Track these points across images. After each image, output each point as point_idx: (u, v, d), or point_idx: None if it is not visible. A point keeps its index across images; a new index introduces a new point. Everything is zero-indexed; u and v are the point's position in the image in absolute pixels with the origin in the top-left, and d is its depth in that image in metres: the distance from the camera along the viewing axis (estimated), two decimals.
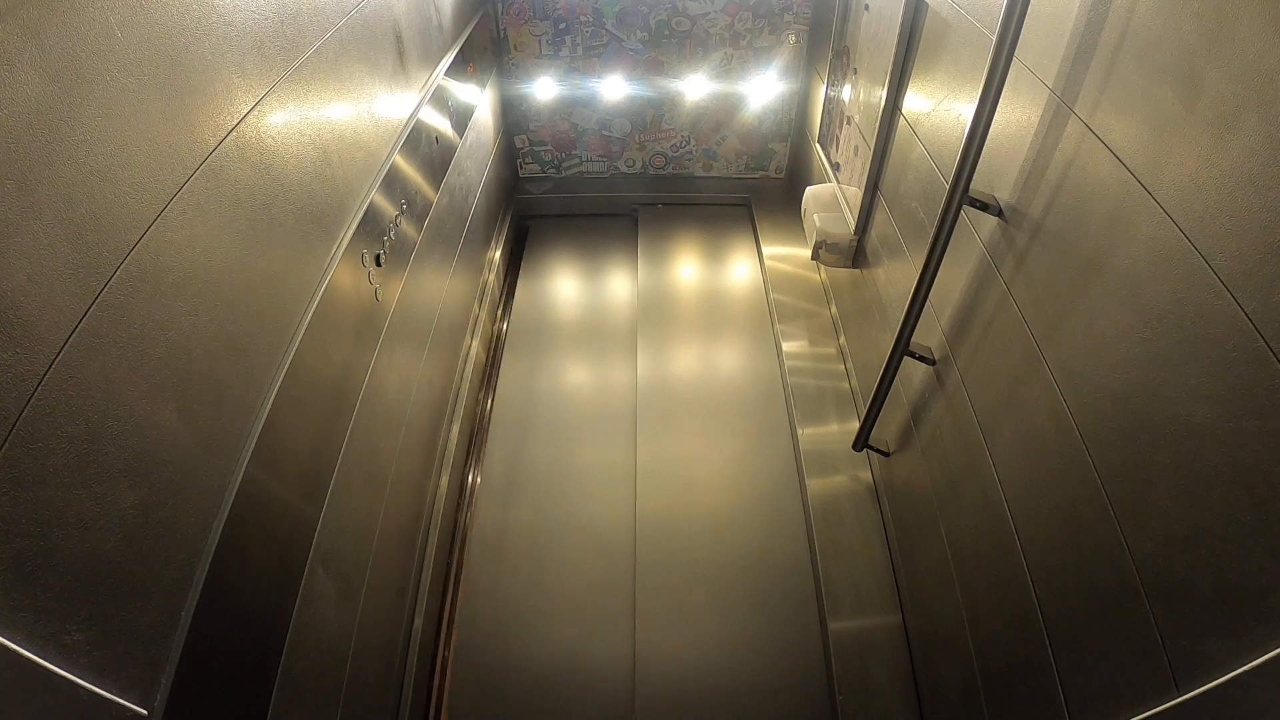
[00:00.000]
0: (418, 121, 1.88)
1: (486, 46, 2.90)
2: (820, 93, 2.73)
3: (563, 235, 3.32)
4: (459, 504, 2.28)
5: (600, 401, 2.49)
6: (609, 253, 3.21)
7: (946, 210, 1.37)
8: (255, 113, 1.10)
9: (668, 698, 1.72)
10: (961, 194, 1.35)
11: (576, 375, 2.63)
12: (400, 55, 1.82)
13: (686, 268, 3.05)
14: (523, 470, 2.26)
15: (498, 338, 3.01)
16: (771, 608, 1.88)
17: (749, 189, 3.35)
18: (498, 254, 2.97)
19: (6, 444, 0.65)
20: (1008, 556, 1.25)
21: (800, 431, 2.19)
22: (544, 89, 3.05)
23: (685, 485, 2.16)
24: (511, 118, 3.15)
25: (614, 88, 3.04)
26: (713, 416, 2.37)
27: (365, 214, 1.50)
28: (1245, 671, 0.74)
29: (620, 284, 3.03)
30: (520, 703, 1.74)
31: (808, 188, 2.60)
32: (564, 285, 3.07)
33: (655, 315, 2.75)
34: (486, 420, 2.69)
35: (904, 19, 1.84)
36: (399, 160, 1.73)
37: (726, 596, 1.90)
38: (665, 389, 2.45)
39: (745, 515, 2.09)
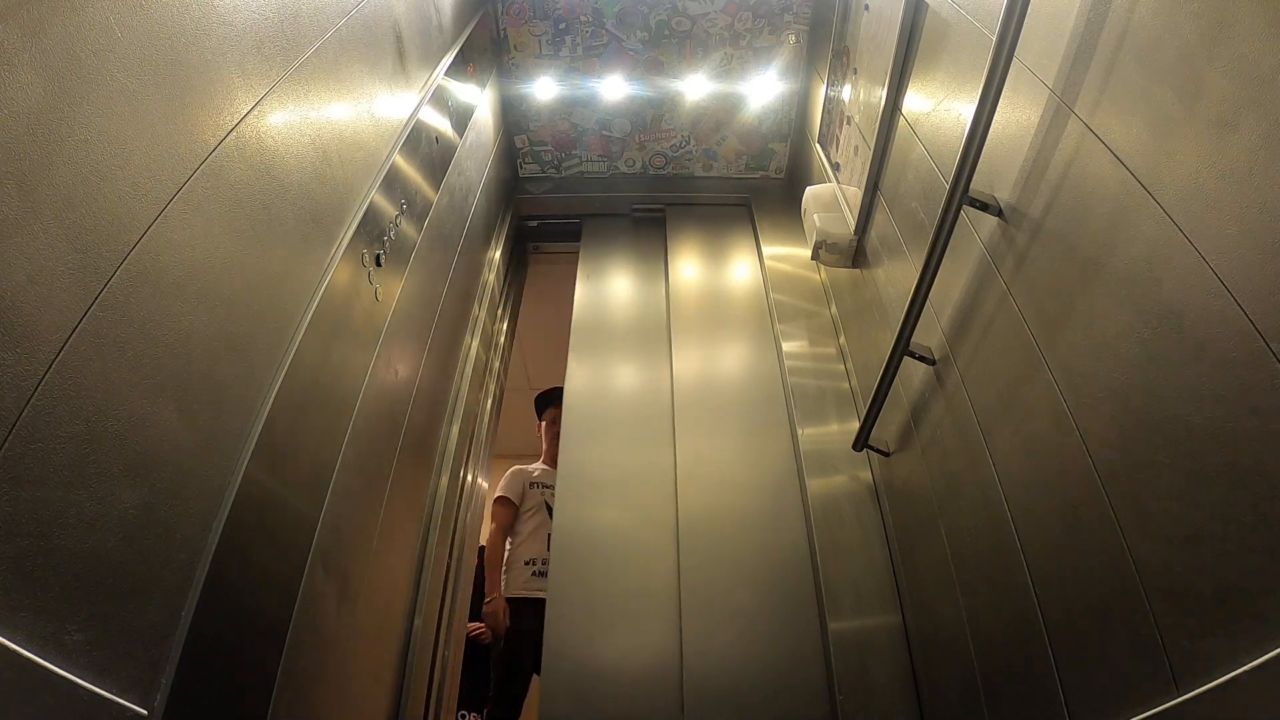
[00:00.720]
0: (418, 121, 1.88)
1: (486, 46, 2.90)
2: (820, 93, 2.73)
3: (607, 236, 3.31)
4: (459, 504, 2.28)
5: (643, 402, 2.50)
6: (631, 253, 3.20)
7: (946, 210, 1.37)
8: (255, 113, 1.10)
9: (711, 695, 1.74)
10: (961, 194, 1.35)
11: (627, 376, 2.63)
12: (400, 55, 1.82)
13: (705, 268, 3.05)
14: (595, 471, 2.28)
15: (502, 337, 3.01)
16: (773, 608, 1.88)
17: (749, 189, 3.35)
18: (498, 254, 2.97)
19: (6, 444, 0.65)
20: (1008, 557, 1.25)
21: (800, 431, 2.19)
22: (544, 89, 3.05)
23: (706, 486, 2.17)
24: (511, 118, 3.15)
25: (614, 88, 3.04)
26: (726, 417, 2.38)
27: (365, 214, 1.50)
28: (1245, 671, 0.74)
29: (647, 284, 3.03)
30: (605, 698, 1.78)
31: (808, 188, 2.60)
32: (608, 286, 3.05)
33: (686, 316, 2.75)
34: (488, 420, 2.69)
35: (904, 19, 1.84)
36: (399, 160, 1.73)
37: (736, 596, 1.91)
38: (697, 390, 2.47)
39: (750, 515, 2.09)
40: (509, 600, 2.72)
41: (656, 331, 2.75)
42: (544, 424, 3.30)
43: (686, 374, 2.51)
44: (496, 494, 2.98)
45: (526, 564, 2.77)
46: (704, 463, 2.22)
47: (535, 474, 3.07)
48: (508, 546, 2.89)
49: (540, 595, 2.60)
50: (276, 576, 1.13)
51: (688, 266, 3.03)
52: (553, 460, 3.10)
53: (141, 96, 0.86)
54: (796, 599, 1.89)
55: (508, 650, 2.63)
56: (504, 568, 2.83)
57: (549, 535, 2.74)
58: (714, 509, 2.10)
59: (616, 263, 3.16)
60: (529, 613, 2.63)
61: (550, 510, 2.86)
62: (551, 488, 2.95)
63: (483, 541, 2.91)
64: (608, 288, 3.04)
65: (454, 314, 2.31)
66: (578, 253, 3.48)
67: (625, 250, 3.22)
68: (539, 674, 2.53)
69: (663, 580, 1.96)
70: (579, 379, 2.58)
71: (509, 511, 2.94)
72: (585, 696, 1.77)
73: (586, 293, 2.98)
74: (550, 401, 3.33)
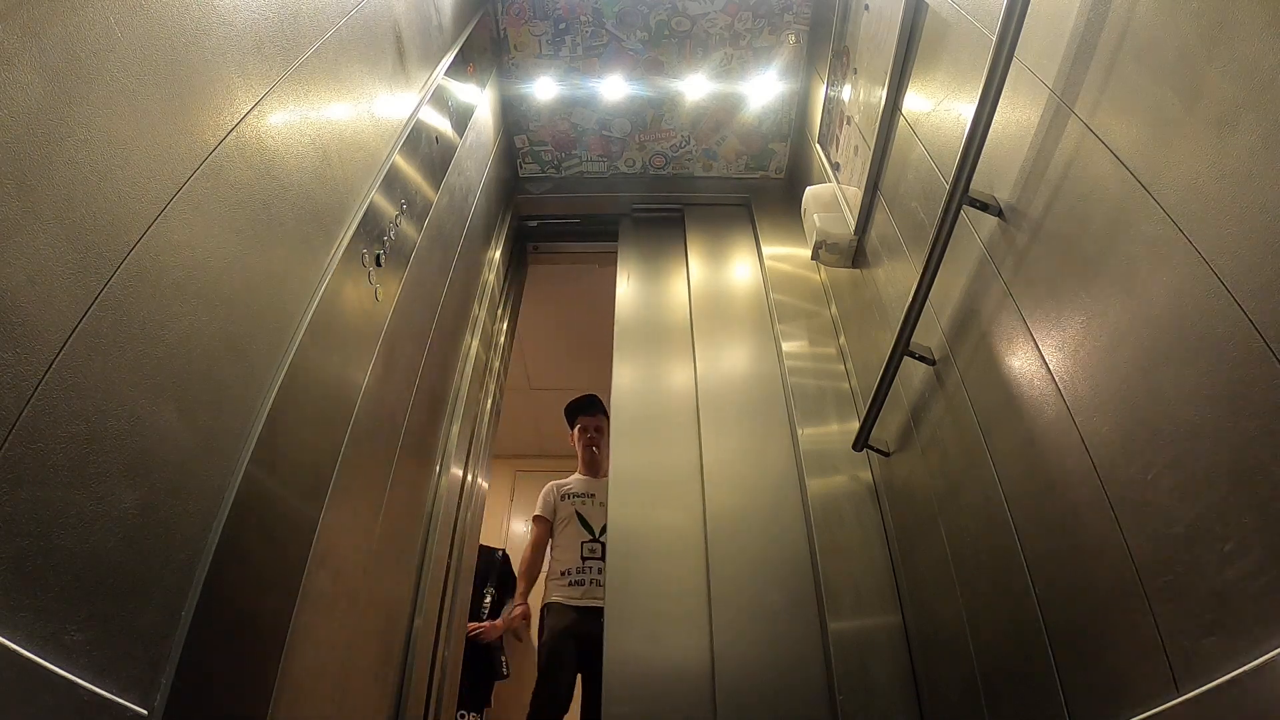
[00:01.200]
0: (418, 121, 1.88)
1: (486, 46, 2.90)
2: (820, 93, 2.73)
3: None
4: (459, 504, 2.28)
5: (674, 403, 2.51)
6: (654, 253, 3.19)
7: (946, 210, 1.37)
8: (255, 113, 1.10)
9: (739, 693, 1.75)
10: (961, 194, 1.35)
11: (663, 376, 2.64)
12: (400, 55, 1.82)
13: (717, 268, 3.05)
14: (642, 473, 2.29)
15: (502, 337, 3.01)
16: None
17: (749, 189, 3.34)
18: (497, 254, 2.97)
19: (6, 444, 0.65)
20: (1008, 557, 1.25)
21: (800, 431, 2.19)
22: (544, 89, 3.05)
23: (726, 486, 2.18)
24: (511, 118, 3.15)
25: (614, 88, 3.03)
26: (743, 416, 2.39)
27: (365, 214, 1.50)
28: (1245, 671, 0.74)
29: (668, 285, 3.04)
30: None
31: (808, 188, 2.60)
32: (642, 287, 3.05)
33: (703, 317, 2.75)
34: (488, 420, 2.69)
35: (904, 19, 1.84)
36: (399, 160, 1.73)
37: (755, 595, 1.92)
38: (718, 389, 2.48)
39: (764, 514, 2.10)
40: (550, 605, 2.84)
41: (681, 332, 2.76)
42: (576, 433, 3.34)
43: (708, 373, 2.52)
44: (534, 513, 3.16)
45: (563, 574, 2.90)
46: (725, 463, 2.23)
47: (568, 486, 3.17)
48: (549, 558, 3.02)
49: (575, 603, 2.79)
50: (276, 576, 1.13)
51: (704, 267, 3.02)
52: (587, 468, 3.20)
53: (141, 96, 0.86)
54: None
55: (551, 648, 2.73)
56: (545, 578, 2.99)
57: (581, 544, 2.92)
58: (735, 509, 2.11)
59: (646, 263, 3.16)
60: (567, 616, 2.77)
61: (581, 519, 2.99)
62: (583, 496, 3.07)
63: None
64: (642, 288, 3.04)
65: (454, 314, 2.31)
66: (578, 253, 3.47)
67: (652, 250, 3.21)
68: (581, 672, 2.65)
69: (694, 580, 1.97)
70: (625, 380, 2.58)
71: (542, 529, 3.08)
72: (644, 697, 1.79)
73: (627, 294, 2.96)
74: (581, 410, 3.37)
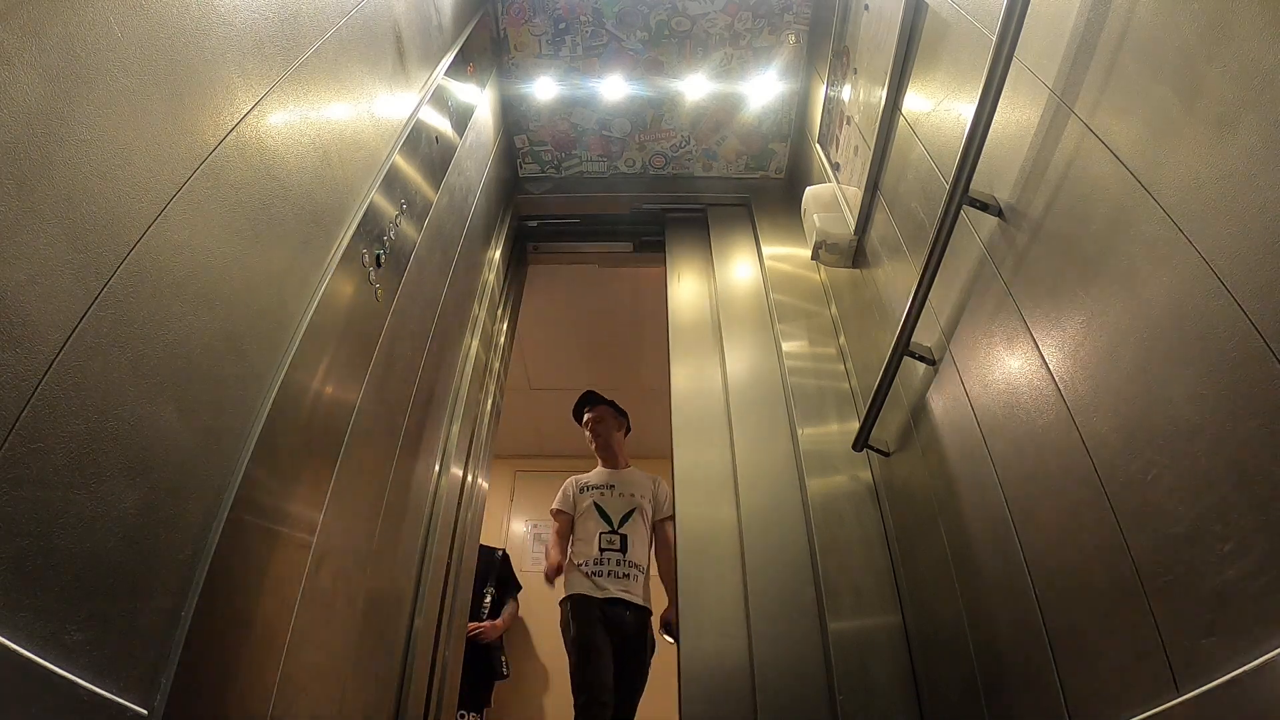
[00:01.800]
0: (418, 121, 1.88)
1: (486, 46, 2.90)
2: (820, 93, 2.73)
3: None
4: (459, 504, 2.28)
5: (714, 400, 2.52)
6: (682, 253, 3.20)
7: (946, 210, 1.37)
8: (255, 113, 1.10)
9: (777, 691, 1.76)
10: (961, 194, 1.35)
11: (704, 376, 2.66)
12: (400, 55, 1.82)
13: (729, 268, 3.06)
14: (702, 471, 2.31)
15: (502, 337, 3.01)
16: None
17: (749, 189, 3.34)
18: (497, 254, 2.97)
19: (6, 444, 0.65)
20: (1008, 557, 1.25)
21: (800, 431, 2.19)
22: (544, 89, 3.05)
23: (755, 483, 2.20)
24: (511, 118, 3.15)
25: (614, 88, 3.03)
26: (749, 415, 2.40)
27: (365, 214, 1.50)
28: (1245, 671, 0.74)
29: (693, 285, 3.07)
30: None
31: (808, 188, 2.60)
32: (681, 287, 3.07)
33: (729, 316, 2.77)
34: (488, 420, 2.69)
35: (904, 19, 1.84)
36: (399, 160, 1.73)
37: (770, 593, 1.93)
38: (744, 387, 2.50)
39: (772, 514, 2.10)
40: (573, 597, 2.87)
41: (713, 332, 2.77)
42: (585, 429, 3.37)
43: (734, 373, 2.54)
44: (551, 507, 3.20)
45: (579, 566, 2.93)
46: (749, 462, 2.24)
47: (587, 479, 3.20)
48: (569, 550, 3.05)
49: (593, 595, 2.84)
50: (277, 576, 1.13)
51: (721, 267, 3.03)
52: (605, 461, 3.27)
53: (141, 96, 0.86)
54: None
55: (582, 639, 2.76)
56: (564, 569, 3.02)
57: (600, 535, 2.97)
58: (760, 507, 2.12)
59: (685, 264, 3.16)
60: (591, 607, 2.82)
61: (599, 510, 3.04)
62: (601, 488, 3.11)
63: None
64: (684, 289, 3.05)
65: (454, 314, 2.31)
66: (578, 253, 3.47)
67: (687, 251, 3.22)
68: (615, 656, 2.72)
69: (735, 578, 1.99)
70: (681, 380, 2.60)
71: (563, 522, 3.12)
72: (713, 696, 1.80)
73: (677, 295, 2.98)
74: (583, 404, 3.43)
